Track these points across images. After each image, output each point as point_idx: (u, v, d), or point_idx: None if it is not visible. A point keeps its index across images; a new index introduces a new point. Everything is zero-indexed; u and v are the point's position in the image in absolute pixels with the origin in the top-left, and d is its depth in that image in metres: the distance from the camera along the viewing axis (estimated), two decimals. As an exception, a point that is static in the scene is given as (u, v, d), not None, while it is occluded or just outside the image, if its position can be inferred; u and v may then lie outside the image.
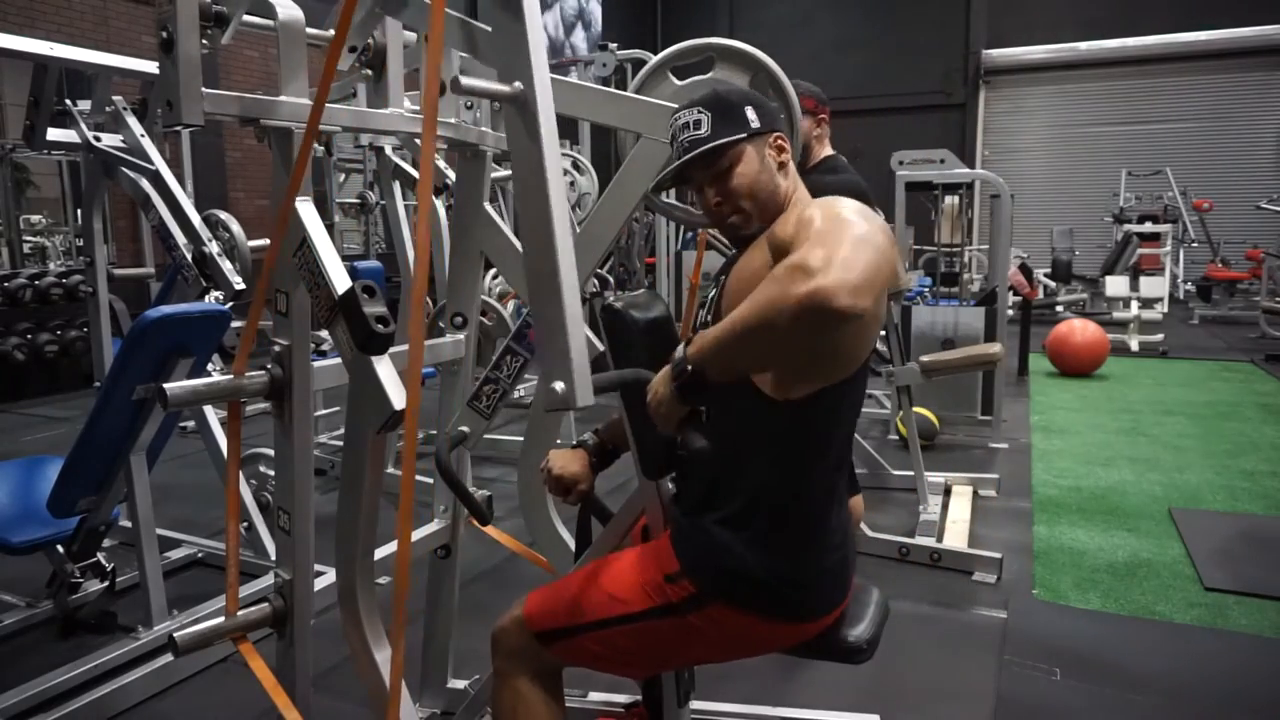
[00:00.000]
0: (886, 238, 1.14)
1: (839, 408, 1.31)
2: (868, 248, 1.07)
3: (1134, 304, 8.07)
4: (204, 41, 1.37)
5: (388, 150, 3.79)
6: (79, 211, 7.09)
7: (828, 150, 2.56)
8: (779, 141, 1.36)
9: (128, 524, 2.50)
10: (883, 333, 3.76)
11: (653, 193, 1.56)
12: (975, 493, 3.91)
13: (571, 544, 1.80)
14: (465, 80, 1.25)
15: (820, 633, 1.38)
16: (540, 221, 1.24)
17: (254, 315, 1.59)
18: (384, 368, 1.35)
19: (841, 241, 1.07)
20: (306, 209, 1.47)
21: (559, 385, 1.22)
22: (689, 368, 1.17)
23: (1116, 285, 8.29)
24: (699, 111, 1.35)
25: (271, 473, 3.14)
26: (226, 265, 2.68)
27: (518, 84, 1.24)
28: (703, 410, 1.27)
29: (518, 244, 1.83)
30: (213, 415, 3.01)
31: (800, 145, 1.86)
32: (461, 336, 1.94)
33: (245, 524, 2.95)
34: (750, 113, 1.34)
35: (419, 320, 1.27)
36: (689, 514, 1.37)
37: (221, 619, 1.56)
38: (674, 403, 1.21)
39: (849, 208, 1.19)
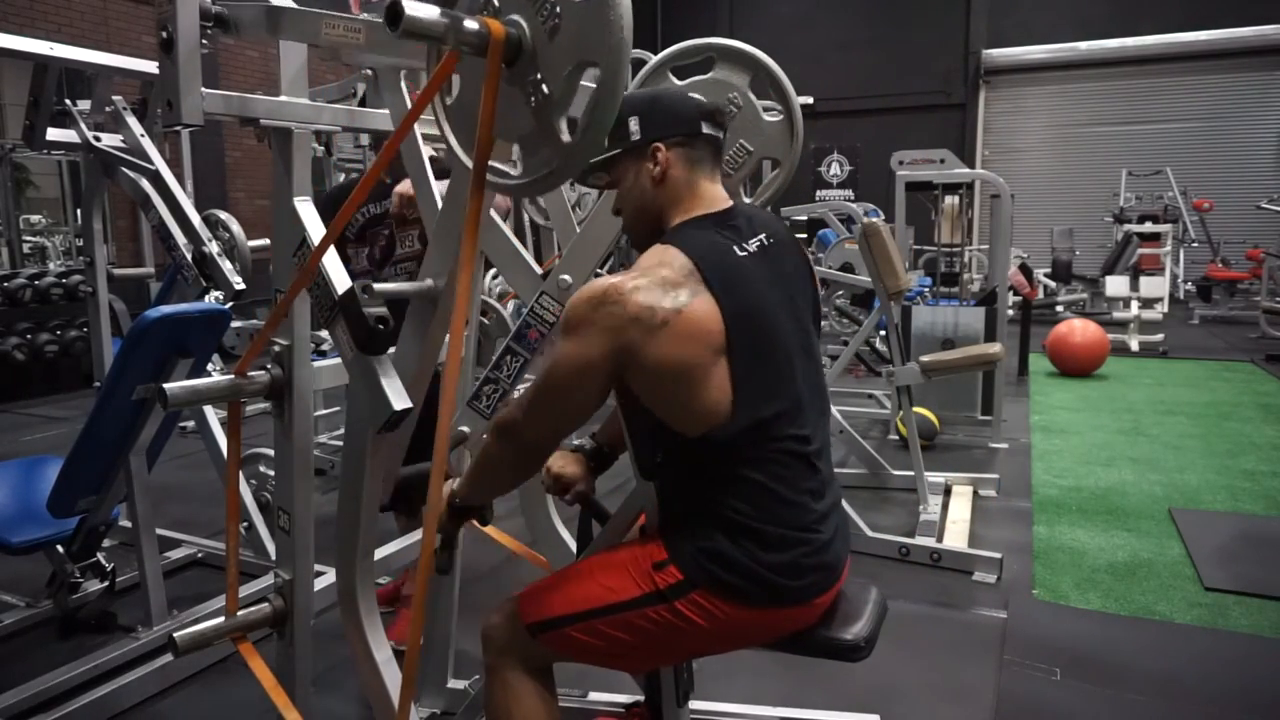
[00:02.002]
0: (557, 371, 1.27)
1: (764, 432, 1.30)
2: (547, 405, 1.30)
3: (1134, 304, 8.07)
4: (204, 41, 1.37)
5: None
6: (79, 211, 7.09)
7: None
8: (654, 153, 1.36)
9: (128, 524, 2.50)
10: (882, 333, 3.76)
11: (578, 182, 1.60)
12: (975, 493, 3.91)
13: (572, 544, 1.80)
14: (381, 286, 1.39)
15: (815, 626, 1.38)
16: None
17: (274, 319, 1.58)
18: (384, 368, 1.36)
19: (532, 398, 1.31)
20: (306, 209, 1.47)
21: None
22: (456, 500, 1.45)
23: (1116, 285, 8.28)
24: None
25: (271, 473, 3.14)
26: (226, 265, 2.68)
27: (429, 281, 1.40)
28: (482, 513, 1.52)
29: (518, 244, 1.84)
30: (213, 415, 3.01)
31: (798, 148, 1.86)
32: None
33: (245, 524, 2.95)
34: (633, 124, 1.36)
35: (460, 330, 1.27)
36: (676, 509, 1.38)
37: (221, 619, 1.57)
38: (446, 523, 1.48)
39: (570, 320, 1.27)
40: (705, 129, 1.38)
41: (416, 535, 2.04)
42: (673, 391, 1.27)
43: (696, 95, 1.45)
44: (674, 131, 1.37)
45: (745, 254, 1.34)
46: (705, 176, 1.39)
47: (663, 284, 1.25)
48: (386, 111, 1.93)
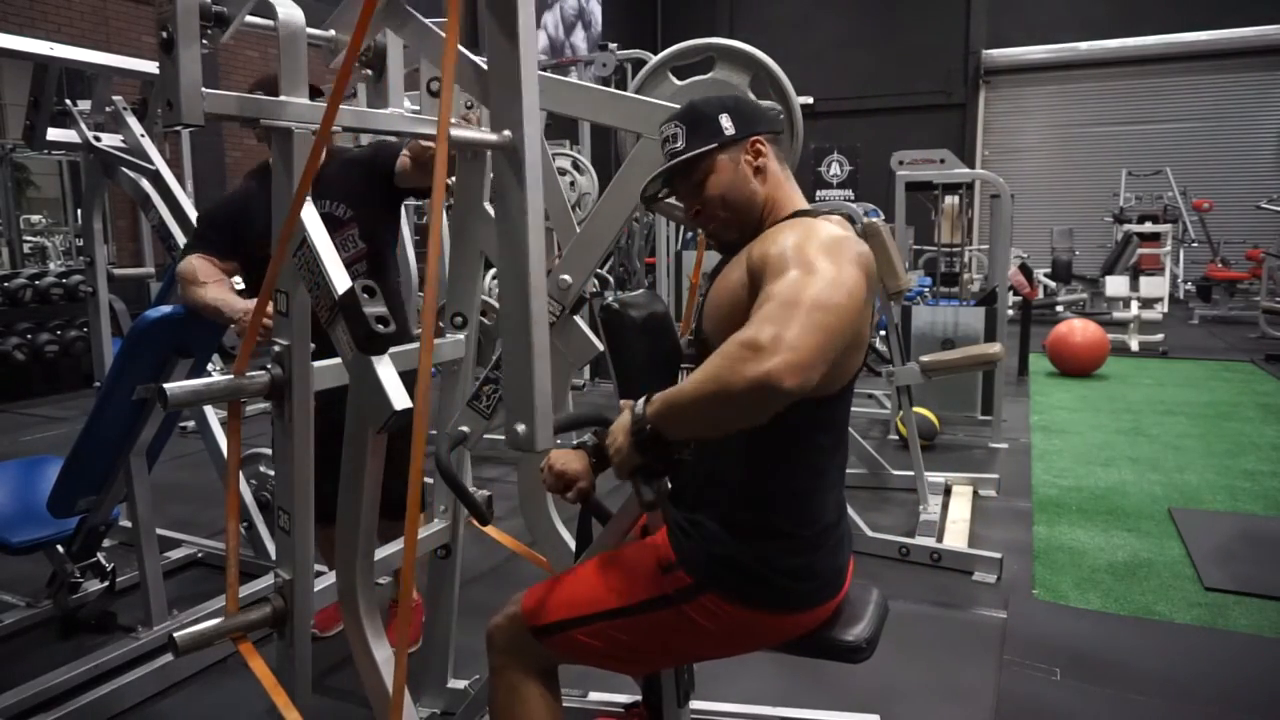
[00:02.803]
0: (848, 292, 1.13)
1: (830, 413, 1.32)
2: (820, 320, 1.08)
3: (1134, 304, 8.07)
4: (204, 41, 1.36)
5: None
6: (79, 211, 7.09)
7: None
8: (756, 146, 1.37)
9: (128, 524, 2.50)
10: (882, 333, 3.76)
11: (641, 202, 1.56)
12: (975, 493, 3.91)
13: (572, 544, 1.80)
14: (455, 132, 1.31)
15: (815, 628, 1.38)
16: (518, 268, 1.29)
17: (257, 316, 1.59)
18: (384, 368, 1.35)
19: (795, 314, 1.08)
20: (306, 209, 1.47)
21: (521, 426, 1.30)
22: (647, 426, 1.20)
23: (1116, 285, 8.29)
24: (675, 125, 1.40)
25: (271, 473, 3.14)
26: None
27: (507, 133, 1.28)
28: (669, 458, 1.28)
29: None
30: (213, 415, 3.01)
31: (798, 148, 1.86)
32: (461, 336, 1.94)
33: (245, 524, 2.95)
34: (725, 120, 1.36)
35: (430, 325, 1.28)
36: (684, 509, 1.37)
37: (221, 619, 1.56)
38: (631, 454, 1.23)
39: (822, 246, 1.18)
40: (777, 126, 1.42)
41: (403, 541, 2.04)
42: (846, 353, 1.21)
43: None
44: (765, 127, 1.39)
45: None
46: (787, 169, 1.42)
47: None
48: (387, 111, 1.93)
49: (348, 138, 3.84)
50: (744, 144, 1.37)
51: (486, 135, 1.33)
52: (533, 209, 1.28)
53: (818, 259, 1.15)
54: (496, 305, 2.55)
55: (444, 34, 1.26)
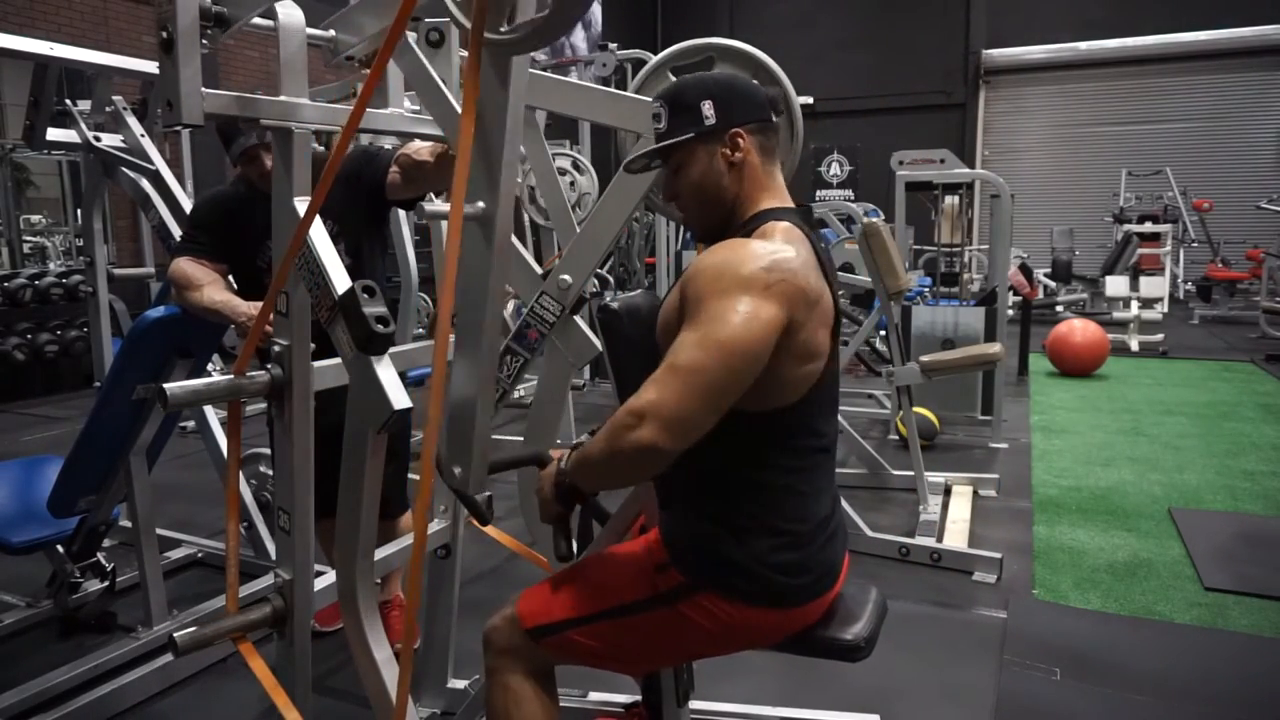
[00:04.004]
0: (729, 344, 1.16)
1: (808, 414, 1.31)
2: (692, 383, 1.15)
3: (1134, 304, 8.07)
4: (204, 41, 1.37)
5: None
6: (79, 211, 7.09)
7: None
8: (735, 138, 1.32)
9: (128, 524, 2.50)
10: (882, 332, 3.76)
11: (625, 169, 1.53)
12: (975, 493, 3.90)
13: (572, 544, 1.80)
14: (428, 207, 1.39)
15: (814, 626, 1.38)
16: (474, 325, 1.37)
17: (262, 317, 1.59)
18: (384, 368, 1.35)
19: (672, 378, 1.16)
20: (306, 209, 1.47)
21: (458, 469, 1.41)
22: (566, 480, 1.31)
23: (1116, 285, 8.28)
24: (660, 105, 1.36)
25: (271, 473, 3.14)
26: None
27: (480, 204, 1.33)
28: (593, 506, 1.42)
29: (518, 244, 1.83)
30: (213, 415, 3.01)
31: (798, 148, 1.85)
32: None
33: (245, 524, 2.95)
34: (706, 108, 1.31)
35: (445, 327, 1.28)
36: (675, 509, 1.38)
37: (221, 619, 1.56)
38: (553, 504, 1.33)
39: (734, 283, 1.19)
40: (771, 119, 1.37)
41: (407, 540, 2.04)
42: (790, 369, 1.24)
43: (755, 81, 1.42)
44: (751, 117, 1.34)
45: (825, 250, 1.36)
46: (774, 165, 1.38)
47: (806, 264, 1.25)
48: (387, 111, 1.94)
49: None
50: (723, 135, 1.32)
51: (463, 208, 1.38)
52: (495, 276, 1.36)
53: (718, 303, 1.18)
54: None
55: (459, 109, 1.31)
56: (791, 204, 1.38)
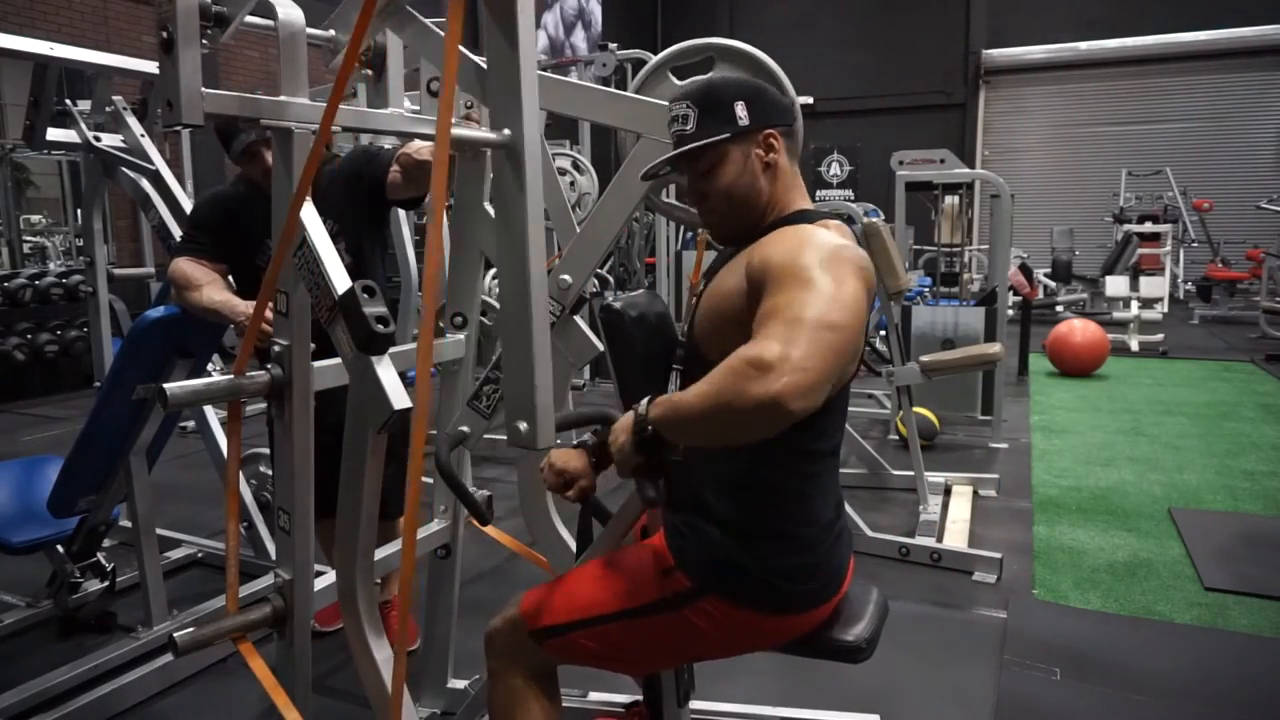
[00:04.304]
0: (852, 309, 1.11)
1: (825, 414, 1.31)
2: (827, 340, 1.06)
3: (1134, 304, 8.07)
4: (204, 41, 1.36)
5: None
6: (79, 211, 7.09)
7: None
8: (769, 140, 1.31)
9: (128, 524, 2.50)
10: (882, 332, 3.76)
11: (643, 179, 1.51)
12: (975, 493, 3.90)
13: (572, 544, 1.80)
14: (455, 131, 1.30)
15: (815, 628, 1.38)
16: (518, 267, 1.29)
17: (257, 315, 1.59)
18: (384, 368, 1.35)
19: (800, 332, 1.06)
20: (306, 209, 1.47)
21: (522, 425, 1.30)
22: (649, 428, 1.18)
23: (1116, 285, 8.28)
24: (688, 106, 1.32)
25: (271, 473, 3.14)
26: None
27: (507, 131, 1.27)
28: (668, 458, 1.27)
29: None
30: (213, 415, 3.01)
31: (799, 147, 1.85)
32: (461, 336, 1.94)
33: (245, 524, 2.95)
34: (739, 109, 1.29)
35: (430, 324, 1.28)
36: (682, 512, 1.37)
37: (221, 619, 1.56)
38: (632, 454, 1.22)
39: (823, 258, 1.15)
40: (797, 125, 1.38)
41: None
42: (845, 367, 1.19)
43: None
44: (782, 120, 1.34)
45: None
46: (797, 165, 1.38)
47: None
48: (388, 111, 1.93)
49: (345, 140, 3.84)
50: (757, 136, 1.30)
51: (486, 134, 1.32)
52: (532, 208, 1.28)
53: (820, 273, 1.12)
54: (497, 305, 2.55)
55: (444, 34, 1.26)
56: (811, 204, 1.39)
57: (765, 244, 1.24)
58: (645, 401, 1.21)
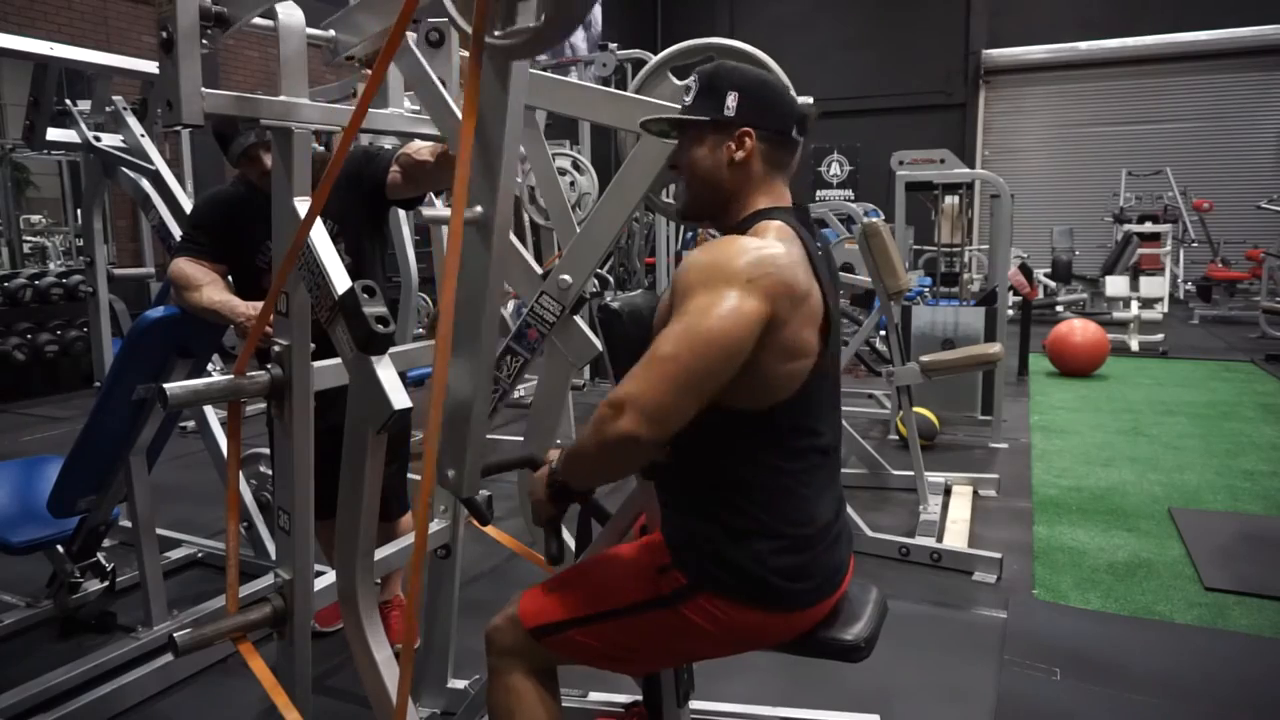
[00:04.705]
0: (704, 336, 1.17)
1: (804, 412, 1.31)
2: (666, 372, 1.17)
3: (1134, 304, 8.07)
4: (204, 41, 1.37)
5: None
6: (79, 211, 7.09)
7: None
8: (742, 137, 1.33)
9: (128, 524, 2.50)
10: (882, 333, 3.76)
11: (641, 126, 1.52)
12: (975, 493, 3.90)
13: (572, 544, 1.80)
14: (426, 211, 1.37)
15: (813, 627, 1.38)
16: (473, 328, 1.37)
17: (262, 319, 1.59)
18: (384, 368, 1.36)
19: (649, 370, 1.18)
20: (306, 209, 1.47)
21: (450, 472, 1.42)
22: (558, 479, 1.33)
23: (1116, 285, 8.28)
24: (695, 80, 1.39)
25: (271, 473, 3.14)
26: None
27: (479, 209, 1.33)
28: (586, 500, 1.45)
29: (518, 244, 1.83)
30: (213, 415, 3.01)
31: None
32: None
33: (245, 524, 2.95)
34: (730, 99, 1.33)
35: (447, 329, 1.28)
36: (677, 511, 1.37)
37: (221, 619, 1.56)
38: (546, 505, 1.37)
39: (719, 277, 1.20)
40: (794, 133, 1.37)
41: (407, 540, 2.04)
42: (775, 366, 1.25)
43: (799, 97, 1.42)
44: (768, 124, 1.35)
45: (820, 250, 1.36)
46: (780, 176, 1.39)
47: (795, 262, 1.25)
48: (387, 111, 1.94)
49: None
50: (733, 130, 1.33)
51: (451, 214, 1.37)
52: (493, 279, 1.36)
53: (698, 297, 1.19)
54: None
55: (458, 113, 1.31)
56: (790, 203, 1.38)
57: (689, 257, 1.29)
58: (559, 453, 1.35)
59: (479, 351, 1.37)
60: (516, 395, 4.66)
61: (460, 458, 1.40)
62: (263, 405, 1.63)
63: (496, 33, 1.22)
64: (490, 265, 1.34)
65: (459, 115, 1.37)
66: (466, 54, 1.28)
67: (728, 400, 1.23)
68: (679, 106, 1.44)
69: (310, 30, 1.58)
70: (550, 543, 1.42)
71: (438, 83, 1.70)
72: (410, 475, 2.58)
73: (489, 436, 1.96)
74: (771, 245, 1.25)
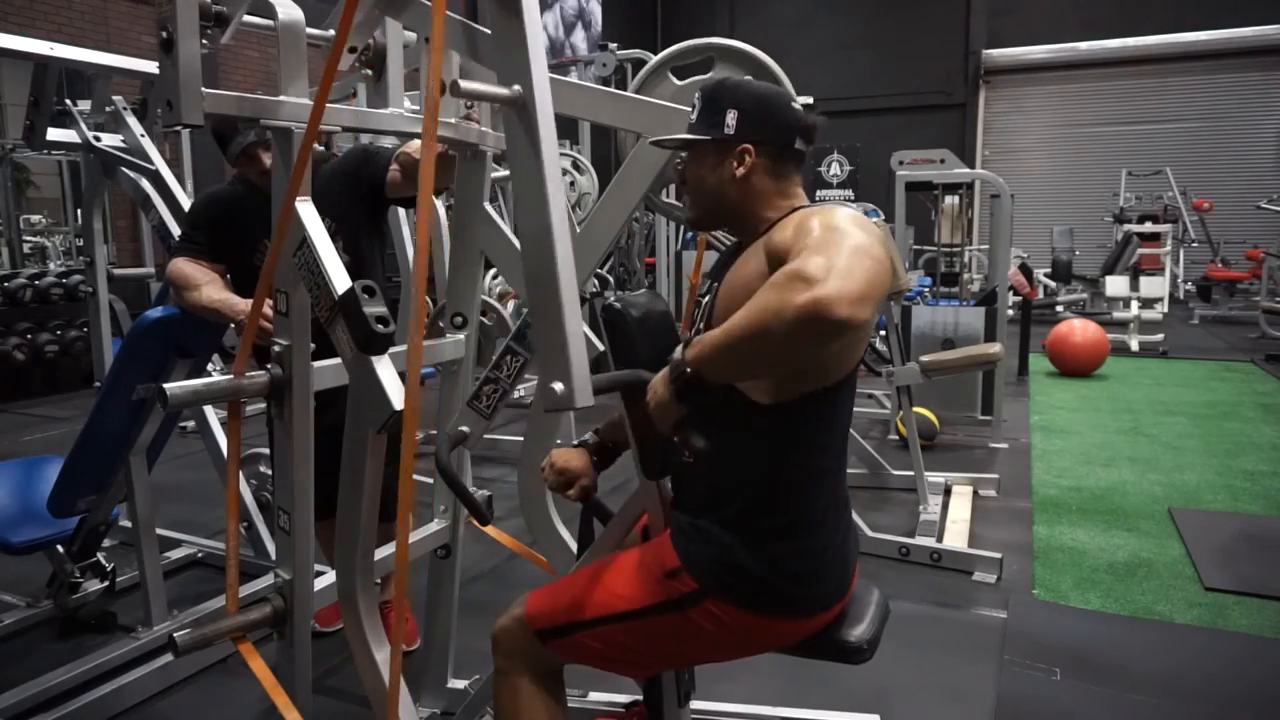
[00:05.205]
0: (884, 248, 1.14)
1: (832, 406, 1.32)
2: (866, 257, 1.07)
3: (1134, 304, 8.07)
4: (204, 41, 1.36)
5: (388, 150, 3.78)
6: (79, 211, 7.09)
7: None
8: (744, 154, 1.33)
9: (128, 524, 2.50)
10: (882, 332, 3.76)
11: (651, 143, 1.53)
12: (975, 493, 3.90)
13: (572, 544, 1.80)
14: (465, 84, 1.25)
15: (820, 631, 1.38)
16: (538, 225, 1.24)
17: (255, 312, 1.59)
18: (384, 368, 1.35)
19: (840, 250, 1.07)
20: (306, 209, 1.47)
21: (558, 385, 1.22)
22: (687, 370, 1.16)
23: (1116, 285, 8.29)
24: (698, 96, 1.39)
25: (271, 472, 3.14)
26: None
27: (517, 87, 1.24)
28: (699, 411, 1.25)
29: (517, 244, 1.83)
30: (213, 415, 3.01)
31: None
32: (461, 336, 1.94)
33: (245, 524, 2.95)
34: (730, 118, 1.33)
35: (420, 320, 1.27)
36: (688, 513, 1.37)
37: (221, 619, 1.56)
38: (672, 404, 1.20)
39: (847, 217, 1.18)
40: (798, 144, 1.36)
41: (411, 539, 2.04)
42: (881, 296, 1.15)
43: (798, 102, 1.40)
44: (768, 139, 1.34)
45: None
46: (791, 182, 1.38)
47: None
48: (388, 111, 1.93)
49: (345, 139, 3.84)
50: (734, 148, 1.33)
51: (495, 89, 1.27)
52: (549, 162, 1.24)
53: (850, 225, 1.14)
54: (497, 305, 2.55)
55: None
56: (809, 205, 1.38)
57: (784, 225, 1.24)
58: (680, 347, 1.20)
59: (551, 246, 1.23)
60: (516, 395, 4.66)
61: (565, 368, 1.23)
62: (263, 405, 1.63)
63: None
64: (543, 152, 1.23)
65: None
66: None
67: (777, 384, 1.23)
68: (678, 107, 1.45)
69: (310, 30, 1.58)
70: (692, 438, 1.25)
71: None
72: (416, 477, 2.58)
73: (486, 436, 1.96)
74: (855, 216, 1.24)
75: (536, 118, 1.23)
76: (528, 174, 1.25)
